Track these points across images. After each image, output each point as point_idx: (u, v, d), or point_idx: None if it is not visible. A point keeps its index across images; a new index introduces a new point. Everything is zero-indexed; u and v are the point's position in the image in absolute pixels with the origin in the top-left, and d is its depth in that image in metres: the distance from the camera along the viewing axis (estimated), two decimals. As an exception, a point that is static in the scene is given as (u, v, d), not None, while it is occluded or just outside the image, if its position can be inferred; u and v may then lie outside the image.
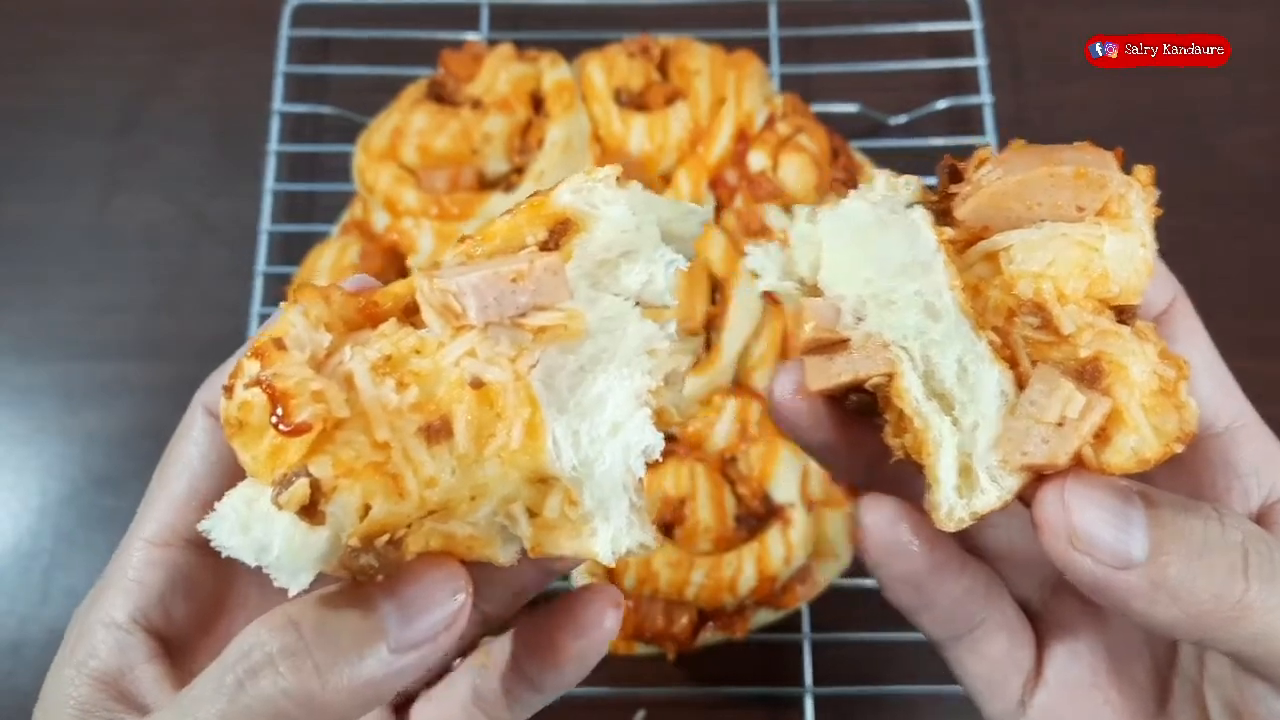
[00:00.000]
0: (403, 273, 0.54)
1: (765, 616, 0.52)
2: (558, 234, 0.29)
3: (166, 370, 0.66)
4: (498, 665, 0.32)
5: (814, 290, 0.31)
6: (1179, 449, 0.27)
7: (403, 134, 0.56)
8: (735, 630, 0.51)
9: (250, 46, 0.72)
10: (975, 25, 0.70)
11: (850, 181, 0.57)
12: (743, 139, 0.57)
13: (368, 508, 0.26)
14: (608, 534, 0.28)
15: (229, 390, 0.27)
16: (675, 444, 0.51)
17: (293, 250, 0.63)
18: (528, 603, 0.33)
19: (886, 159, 0.61)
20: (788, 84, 0.68)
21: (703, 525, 0.49)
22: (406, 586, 0.28)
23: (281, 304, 0.28)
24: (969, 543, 0.30)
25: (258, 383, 0.26)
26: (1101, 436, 0.27)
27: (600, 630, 0.31)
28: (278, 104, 0.69)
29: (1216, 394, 0.31)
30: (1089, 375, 0.27)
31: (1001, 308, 0.28)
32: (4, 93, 0.74)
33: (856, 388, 0.29)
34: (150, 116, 0.73)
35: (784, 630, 0.55)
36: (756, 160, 0.56)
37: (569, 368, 0.29)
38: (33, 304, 0.68)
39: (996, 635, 0.31)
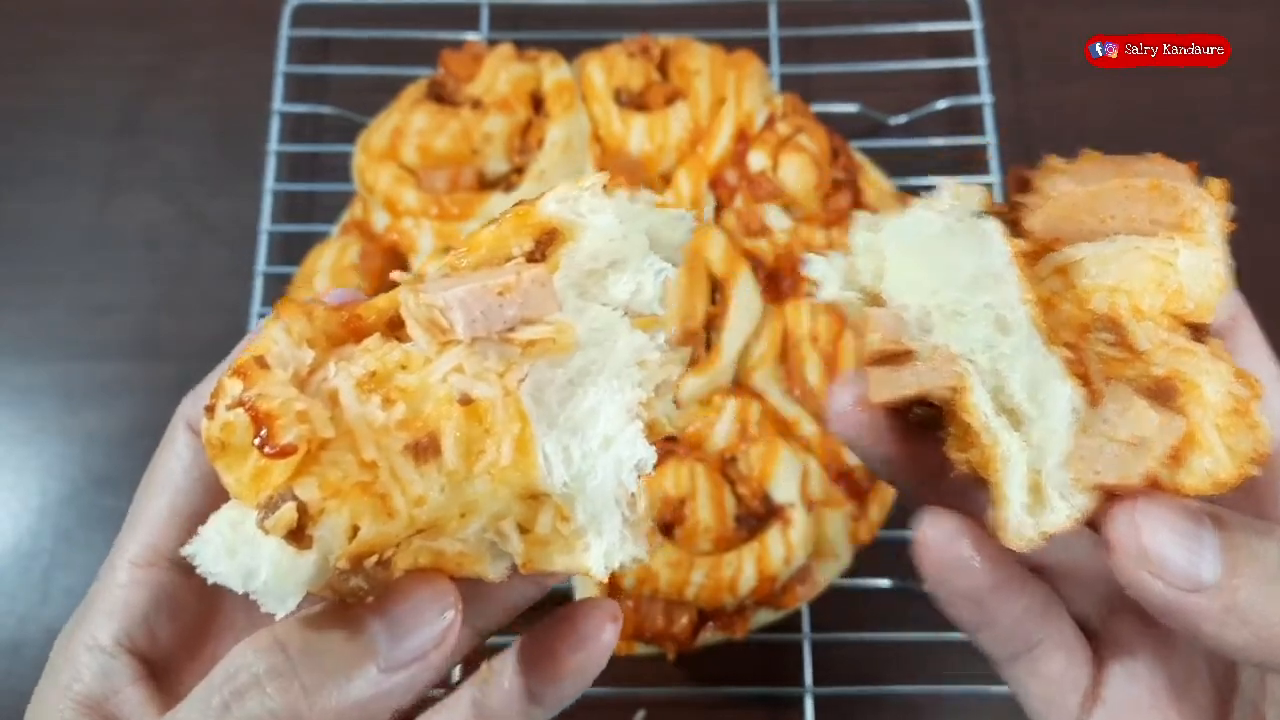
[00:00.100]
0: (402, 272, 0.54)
1: (765, 616, 0.52)
2: (544, 244, 0.29)
3: (166, 370, 0.66)
4: (498, 680, 0.31)
5: (877, 300, 0.30)
6: (1254, 471, 0.26)
7: (403, 134, 0.56)
8: (735, 630, 0.51)
9: (250, 46, 0.72)
10: (975, 25, 0.70)
11: (850, 181, 0.57)
12: (743, 139, 0.57)
13: (356, 529, 0.25)
14: (601, 549, 0.28)
15: (210, 410, 0.26)
16: (675, 444, 0.51)
17: (293, 250, 0.63)
18: (529, 613, 0.33)
19: (886, 159, 0.61)
20: (788, 84, 0.68)
21: (703, 525, 0.49)
22: (395, 605, 0.27)
23: (262, 320, 0.28)
24: (1025, 559, 0.30)
25: (240, 403, 0.25)
26: (1175, 457, 0.26)
27: (598, 643, 0.30)
28: (278, 104, 0.69)
29: None
30: (1163, 394, 0.27)
31: (1074, 322, 0.28)
32: (4, 92, 0.74)
33: (920, 400, 0.29)
34: (150, 116, 0.73)
35: (784, 630, 0.55)
36: (756, 160, 0.56)
37: (558, 381, 0.28)
38: (32, 304, 0.68)
39: (1054, 654, 0.31)
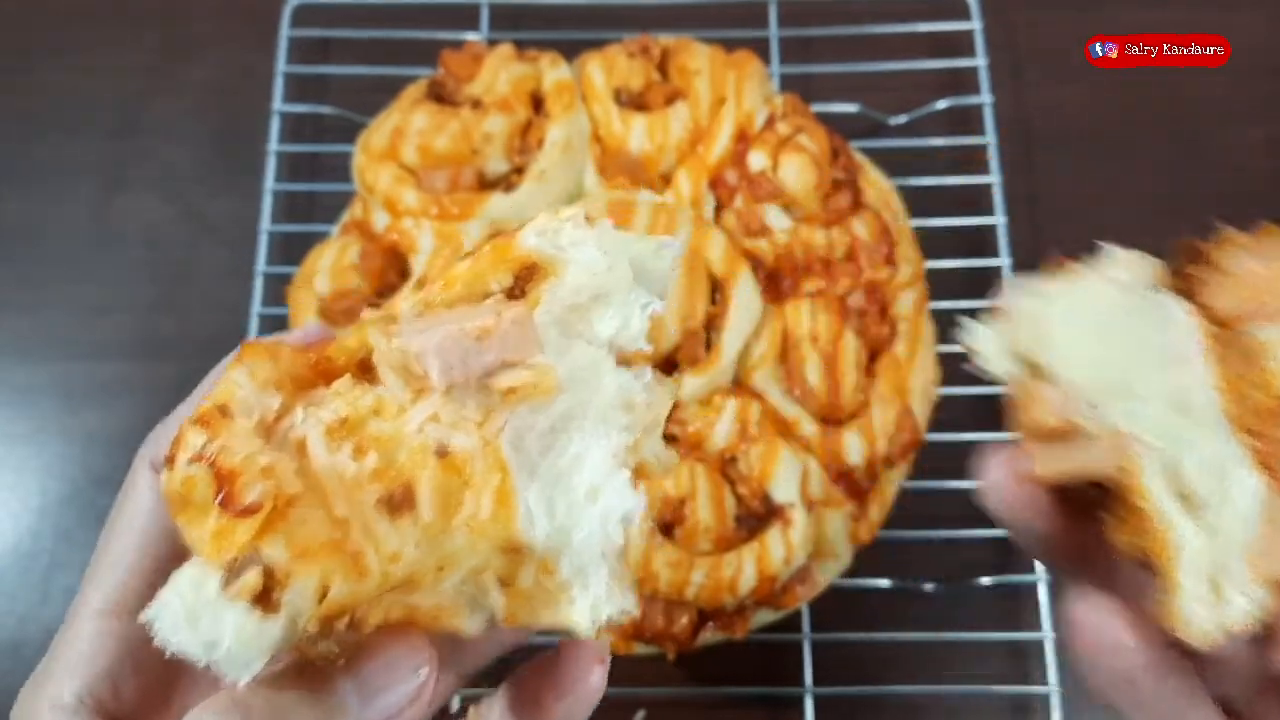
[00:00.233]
0: (403, 273, 0.54)
1: (765, 616, 0.52)
2: (524, 279, 0.27)
3: (167, 370, 0.66)
4: None
5: (1038, 372, 0.29)
6: None
7: (403, 134, 0.56)
8: (735, 630, 0.51)
9: (250, 47, 0.72)
10: (975, 25, 0.70)
11: (850, 181, 0.57)
12: (743, 139, 0.57)
13: (326, 589, 0.24)
14: (587, 603, 0.27)
15: (170, 461, 0.25)
16: (675, 444, 0.51)
17: (293, 250, 0.63)
18: (520, 652, 0.32)
19: (886, 159, 0.61)
20: (788, 84, 0.68)
21: (703, 525, 0.49)
22: (365, 663, 0.26)
23: (225, 362, 0.26)
24: (1169, 637, 0.29)
25: (201, 457, 0.24)
26: None
27: (585, 687, 0.29)
28: (278, 104, 0.69)
29: None
30: None
31: (1259, 408, 0.27)
32: (2, 92, 0.74)
33: (1083, 479, 0.28)
34: (150, 116, 0.73)
35: (784, 630, 0.55)
36: (756, 160, 0.56)
37: (540, 427, 0.27)
38: (32, 304, 0.68)
39: None
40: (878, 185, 0.58)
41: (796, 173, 0.55)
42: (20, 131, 0.73)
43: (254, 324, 0.63)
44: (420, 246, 0.54)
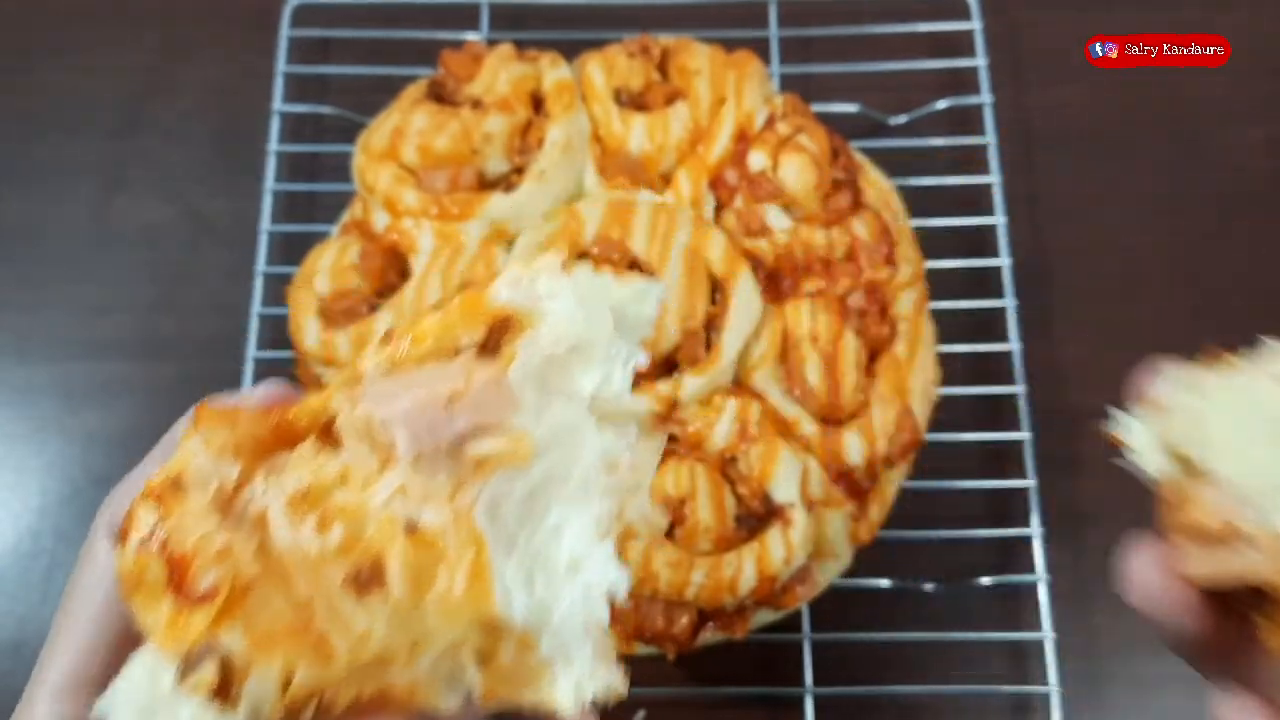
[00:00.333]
0: (403, 273, 0.54)
1: (765, 616, 0.52)
2: (497, 333, 0.26)
3: (167, 370, 0.66)
4: None
5: (1192, 468, 0.28)
6: None
7: (403, 134, 0.56)
8: (735, 630, 0.51)
9: (250, 47, 0.72)
10: (975, 25, 0.70)
11: (850, 181, 0.57)
12: (743, 139, 0.57)
13: (290, 676, 0.23)
14: (570, 681, 0.25)
15: (123, 537, 0.24)
16: (675, 444, 0.51)
17: (293, 250, 0.63)
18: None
19: (887, 159, 0.61)
20: (788, 84, 0.68)
21: (703, 525, 0.49)
22: None
23: (185, 419, 0.25)
24: None
25: (153, 538, 0.23)
26: None
27: None
28: (278, 104, 0.69)
29: None
30: None
31: None
32: (3, 92, 0.74)
33: (1237, 580, 0.27)
34: (150, 116, 0.73)
35: (784, 630, 0.55)
36: (756, 160, 0.56)
37: (517, 495, 0.25)
38: (32, 304, 0.68)
39: None
40: (878, 185, 0.58)
41: (796, 173, 0.55)
42: (20, 131, 0.73)
43: (254, 324, 0.63)
44: (420, 246, 0.54)
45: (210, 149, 0.72)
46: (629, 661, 0.52)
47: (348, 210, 0.59)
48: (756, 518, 0.50)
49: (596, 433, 0.26)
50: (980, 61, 0.70)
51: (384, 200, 0.55)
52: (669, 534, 0.49)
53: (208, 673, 0.22)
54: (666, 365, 0.52)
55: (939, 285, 0.59)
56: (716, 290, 0.53)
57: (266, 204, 0.66)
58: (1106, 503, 0.63)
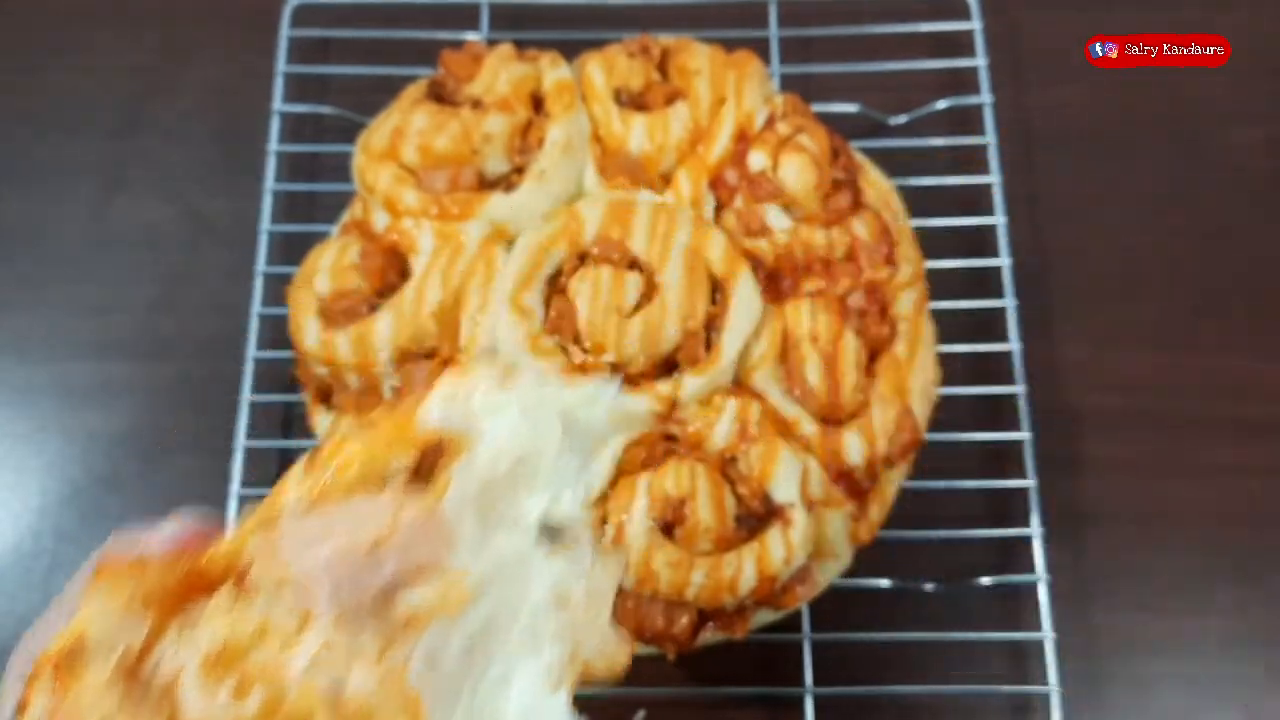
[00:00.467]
0: (403, 273, 0.54)
1: (765, 616, 0.52)
2: (430, 455, 0.23)
3: (167, 370, 0.66)
4: None
5: None
6: None
7: (403, 134, 0.56)
8: (735, 630, 0.51)
9: (250, 47, 0.72)
10: (975, 25, 0.70)
11: (850, 181, 0.57)
12: (743, 139, 0.57)
13: None
14: None
15: (21, 710, 0.22)
16: (675, 444, 0.51)
17: (293, 250, 0.63)
18: None
19: (887, 159, 0.61)
20: (788, 84, 0.69)
21: (703, 525, 0.49)
22: None
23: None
24: None
25: None
26: None
27: None
28: (278, 104, 0.69)
29: None
30: None
31: None
32: (3, 92, 0.74)
33: None
34: (150, 117, 0.73)
35: (784, 630, 0.55)
36: (756, 160, 0.56)
37: (455, 646, 0.23)
38: (32, 303, 0.68)
39: None
40: (878, 185, 0.58)
41: (797, 173, 0.55)
42: (20, 131, 0.73)
43: (254, 323, 0.63)
44: (420, 246, 0.54)
45: (210, 149, 0.72)
46: (629, 662, 0.52)
47: (348, 210, 0.59)
48: (756, 518, 0.50)
49: (546, 562, 0.24)
50: (980, 61, 0.70)
51: (384, 200, 0.55)
52: (669, 534, 0.49)
53: None
54: (666, 365, 0.52)
55: (939, 285, 0.59)
56: (716, 290, 0.53)
57: (266, 204, 0.67)
58: (1107, 503, 0.63)
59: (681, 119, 0.56)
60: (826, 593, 0.53)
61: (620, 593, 0.50)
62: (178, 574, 0.23)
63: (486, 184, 0.56)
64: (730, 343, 0.52)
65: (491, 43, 0.62)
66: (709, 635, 0.51)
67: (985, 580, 0.59)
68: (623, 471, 0.51)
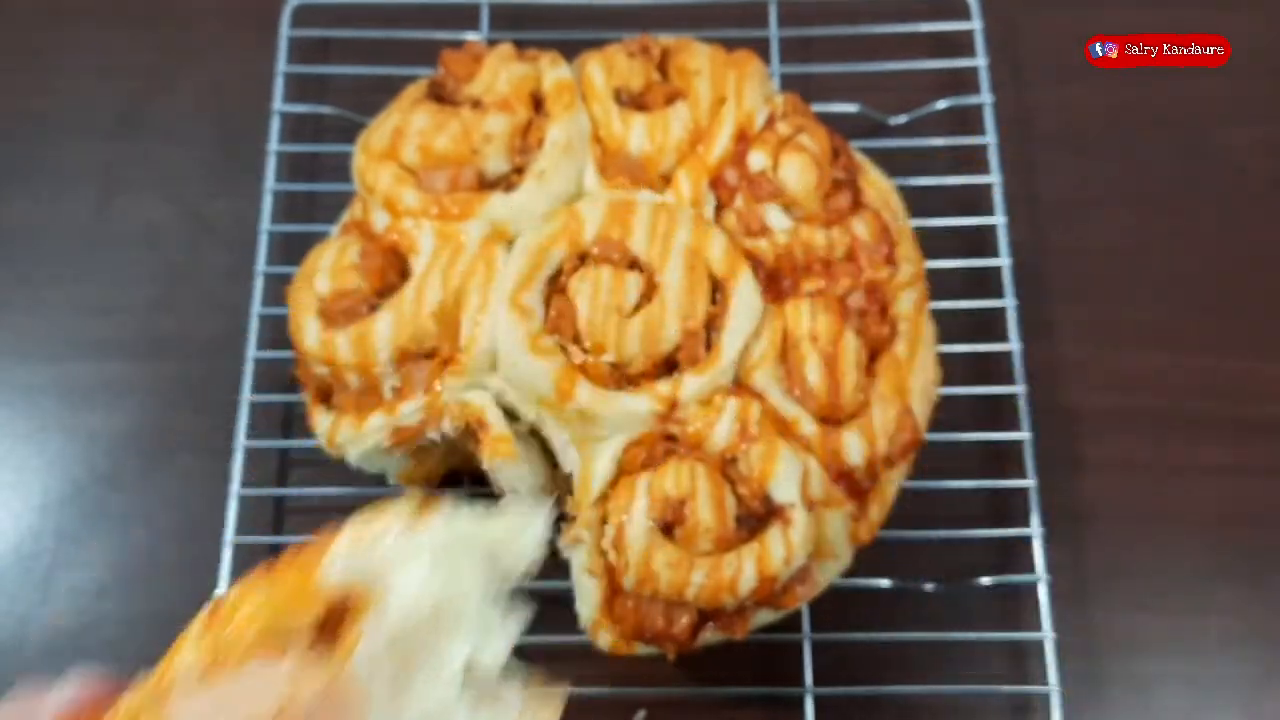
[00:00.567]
0: (403, 273, 0.54)
1: (765, 617, 0.52)
2: (338, 610, 0.22)
3: (168, 369, 0.66)
4: None
5: None
6: None
7: (403, 134, 0.56)
8: (735, 630, 0.51)
9: (250, 47, 0.72)
10: (975, 25, 0.70)
11: (850, 181, 0.57)
12: (743, 139, 0.57)
13: None
14: None
15: None
16: (675, 444, 0.51)
17: (293, 250, 0.63)
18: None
19: (887, 159, 0.61)
20: (788, 84, 0.69)
21: (703, 525, 0.49)
22: None
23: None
24: None
25: None
26: None
27: None
28: (278, 104, 0.69)
29: None
30: None
31: None
32: (3, 93, 0.74)
33: None
34: (150, 117, 0.73)
35: (784, 630, 0.55)
36: (757, 160, 0.56)
37: None
38: (34, 303, 0.68)
39: None
40: (878, 185, 0.58)
41: (797, 173, 0.55)
42: (21, 131, 0.73)
43: (254, 323, 0.63)
44: (420, 247, 0.54)
45: (210, 149, 0.72)
46: (629, 662, 0.52)
47: (347, 210, 0.59)
48: (756, 518, 0.50)
49: (470, 714, 0.22)
50: (980, 61, 0.70)
51: (384, 200, 0.55)
52: (669, 534, 0.49)
53: None
54: (667, 365, 0.52)
55: (939, 285, 0.59)
56: (717, 290, 0.53)
57: (266, 204, 0.67)
58: (1107, 503, 0.63)
59: (681, 119, 0.57)
60: (826, 593, 0.53)
61: (621, 592, 0.50)
62: None
63: (486, 184, 0.56)
64: (730, 343, 0.52)
65: (491, 43, 0.62)
66: (709, 635, 0.51)
67: (985, 580, 0.59)
68: (623, 471, 0.51)
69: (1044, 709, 0.56)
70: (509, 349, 0.52)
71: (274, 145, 0.68)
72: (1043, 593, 0.58)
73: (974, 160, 0.68)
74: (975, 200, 0.67)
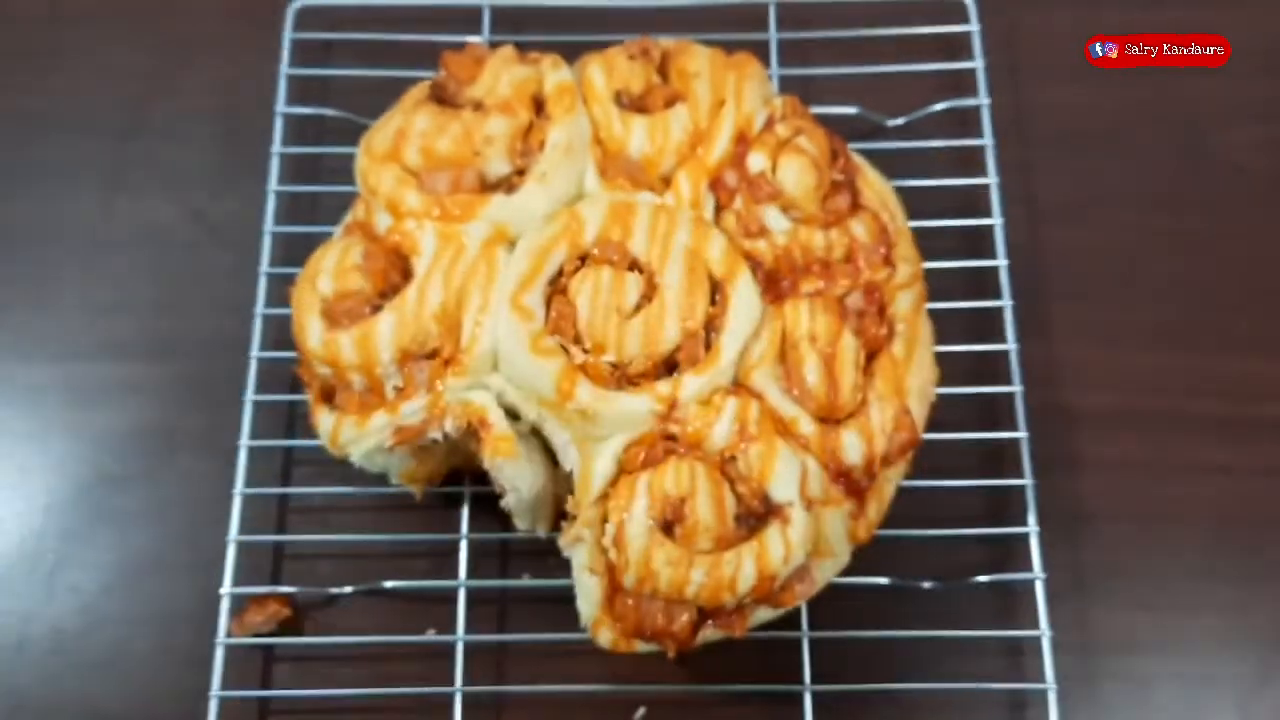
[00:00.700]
0: (405, 274, 0.55)
1: (764, 615, 0.53)
2: None
3: (171, 370, 0.67)
4: None
5: None
6: None
7: (405, 136, 0.56)
8: (734, 628, 0.52)
9: (253, 49, 0.73)
10: (973, 27, 0.71)
11: (849, 182, 0.58)
12: (742, 141, 0.57)
13: None
14: None
15: None
16: (675, 443, 0.51)
17: (296, 251, 0.63)
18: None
19: (885, 161, 0.61)
20: (787, 86, 0.69)
21: (702, 524, 0.49)
22: None
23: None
24: None
25: None
26: None
27: None
28: (280, 106, 0.69)
29: None
30: None
31: None
32: (7, 94, 0.75)
33: None
34: (153, 118, 0.74)
35: (783, 628, 0.56)
36: (756, 162, 0.56)
37: None
38: (38, 304, 0.69)
39: None
40: (876, 186, 0.59)
41: (796, 174, 0.56)
42: (24, 132, 0.74)
43: (257, 324, 0.64)
44: (423, 248, 0.54)
45: (213, 151, 0.73)
46: (629, 659, 0.52)
47: (350, 211, 0.59)
48: (756, 517, 0.51)
49: None
50: (978, 63, 0.70)
51: (386, 202, 0.56)
52: (669, 533, 0.49)
53: None
54: (667, 365, 0.52)
55: (937, 286, 0.59)
56: (716, 291, 0.54)
57: (270, 205, 0.67)
58: (1103, 502, 0.64)
59: (681, 121, 0.57)
60: (825, 591, 0.54)
61: (622, 590, 0.50)
62: None
63: (488, 186, 0.56)
64: (730, 343, 0.52)
65: (493, 45, 0.62)
66: (708, 633, 0.52)
67: (982, 578, 0.59)
68: (623, 470, 0.51)
69: (1040, 706, 0.57)
70: (510, 349, 0.52)
71: (277, 147, 0.68)
72: (1039, 591, 0.58)
73: (972, 161, 0.68)
74: (973, 201, 0.67)
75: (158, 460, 0.65)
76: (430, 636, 0.59)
